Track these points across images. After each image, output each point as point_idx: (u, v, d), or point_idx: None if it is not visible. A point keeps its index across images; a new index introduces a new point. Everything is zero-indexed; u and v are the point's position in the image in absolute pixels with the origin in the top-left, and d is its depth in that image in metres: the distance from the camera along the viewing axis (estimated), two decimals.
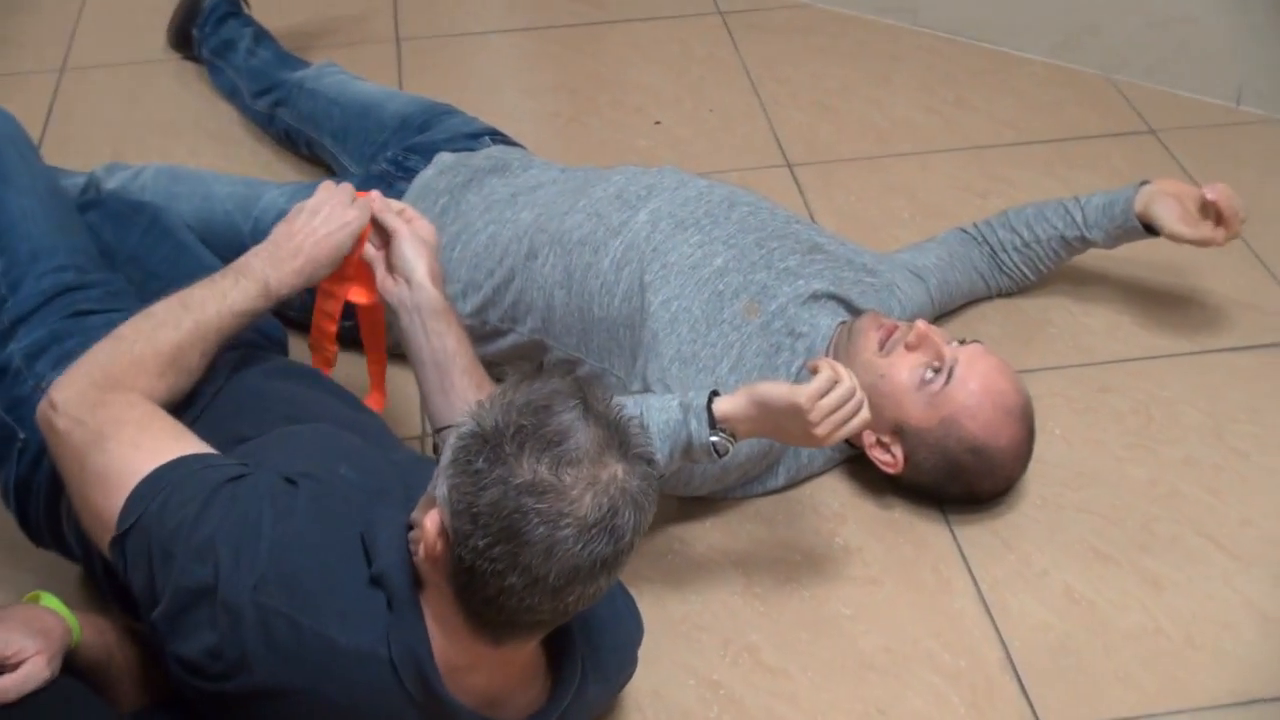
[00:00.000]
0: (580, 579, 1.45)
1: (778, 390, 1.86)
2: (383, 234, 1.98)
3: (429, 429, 2.10)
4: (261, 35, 3.12)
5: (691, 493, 2.15)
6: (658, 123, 3.12)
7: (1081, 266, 2.60)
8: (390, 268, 1.96)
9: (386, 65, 3.30)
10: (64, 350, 1.89)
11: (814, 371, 1.89)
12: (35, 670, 1.53)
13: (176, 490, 1.62)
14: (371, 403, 2.06)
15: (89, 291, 2.00)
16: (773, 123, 3.12)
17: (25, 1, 3.62)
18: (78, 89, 3.28)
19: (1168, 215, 2.37)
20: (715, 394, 1.88)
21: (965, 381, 2.07)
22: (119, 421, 1.68)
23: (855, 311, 2.26)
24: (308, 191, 2.01)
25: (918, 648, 2.01)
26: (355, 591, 1.58)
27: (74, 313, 1.96)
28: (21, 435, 1.89)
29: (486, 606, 1.48)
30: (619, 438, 1.46)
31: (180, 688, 1.63)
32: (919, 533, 2.18)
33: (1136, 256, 2.58)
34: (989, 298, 2.57)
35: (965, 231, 2.54)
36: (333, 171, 2.79)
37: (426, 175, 2.44)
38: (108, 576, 1.82)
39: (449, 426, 1.52)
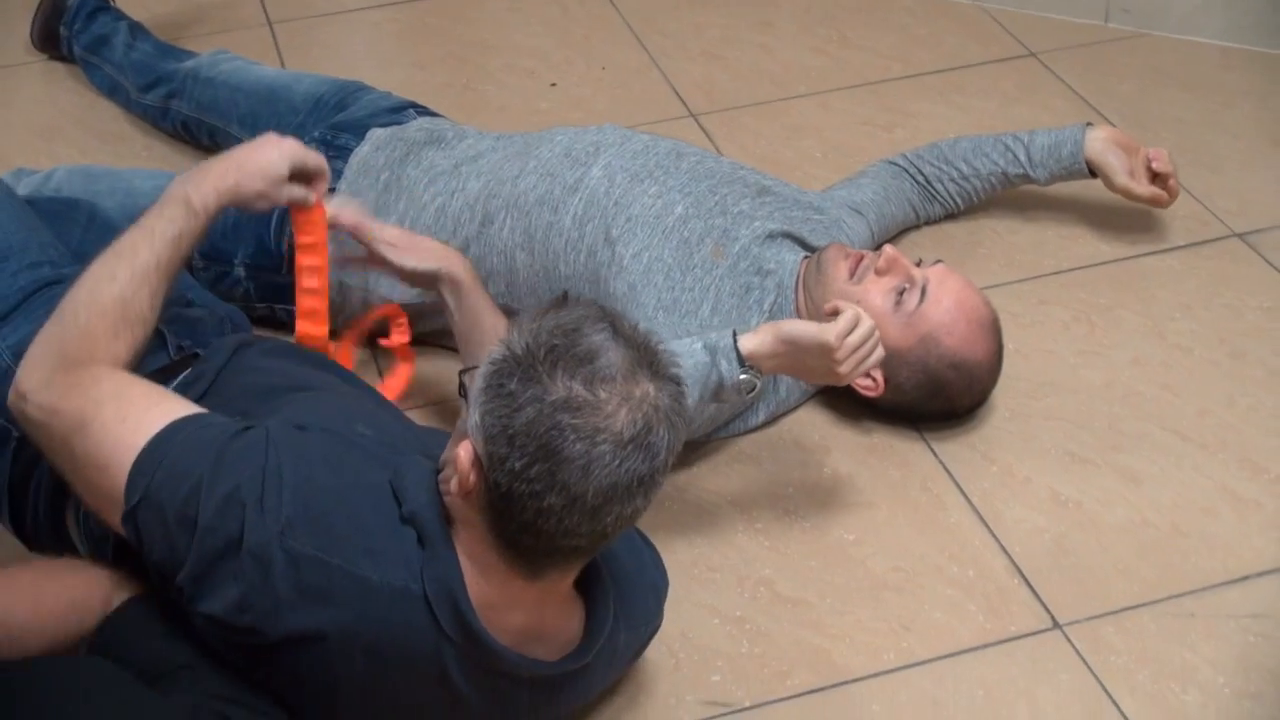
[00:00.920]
0: (618, 497, 1.44)
1: (806, 328, 1.90)
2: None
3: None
4: (136, 28, 3.00)
5: (690, 436, 2.16)
6: (554, 85, 3.11)
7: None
8: (404, 278, 2.07)
9: (265, 50, 3.21)
10: None
11: (833, 312, 1.94)
12: None
13: (181, 456, 1.58)
14: (385, 390, 2.04)
15: (67, 285, 1.92)
16: (667, 75, 3.13)
17: None
18: None
19: (1119, 169, 2.48)
20: (735, 333, 1.90)
21: (939, 300, 2.13)
22: (96, 401, 1.63)
23: (810, 248, 2.30)
24: None
25: (925, 563, 2.06)
26: (386, 531, 1.56)
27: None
28: (16, 434, 1.83)
29: (524, 532, 1.47)
30: (648, 358, 1.47)
31: (211, 644, 1.60)
32: (902, 454, 2.23)
33: None
34: (918, 226, 2.63)
35: (895, 164, 2.60)
36: None
37: (363, 152, 2.40)
38: (119, 563, 1.76)
39: (474, 367, 1.51)
